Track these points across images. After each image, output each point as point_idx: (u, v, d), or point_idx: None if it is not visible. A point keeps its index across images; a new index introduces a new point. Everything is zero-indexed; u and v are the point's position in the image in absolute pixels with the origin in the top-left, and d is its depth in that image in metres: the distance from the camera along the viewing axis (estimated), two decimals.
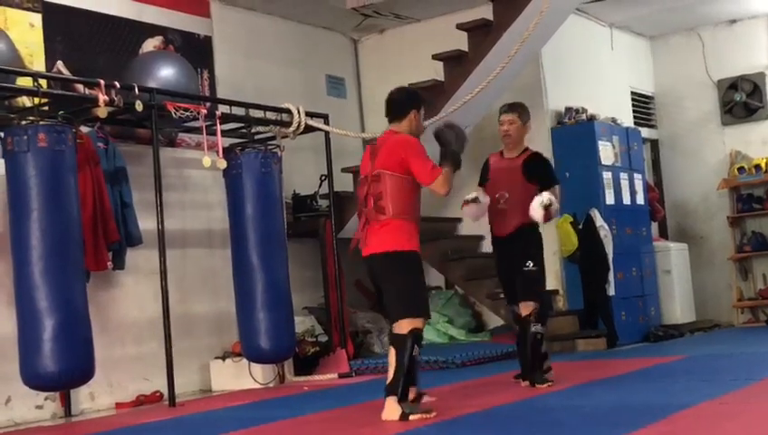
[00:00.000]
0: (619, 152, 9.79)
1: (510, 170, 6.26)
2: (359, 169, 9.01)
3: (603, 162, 9.47)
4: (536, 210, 6.02)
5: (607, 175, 9.48)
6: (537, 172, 6.26)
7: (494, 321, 9.34)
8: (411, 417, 4.94)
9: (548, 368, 6.19)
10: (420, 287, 5.34)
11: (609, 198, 9.50)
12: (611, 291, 9.04)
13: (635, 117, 11.16)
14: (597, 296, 8.99)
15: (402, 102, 5.45)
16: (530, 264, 6.15)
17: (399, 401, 4.99)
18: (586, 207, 9.10)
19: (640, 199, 10.10)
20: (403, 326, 5.10)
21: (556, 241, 9.23)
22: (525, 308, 6.15)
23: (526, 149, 6.41)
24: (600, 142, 9.46)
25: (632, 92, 11.24)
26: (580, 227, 9.09)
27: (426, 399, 5.47)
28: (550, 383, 6.03)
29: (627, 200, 9.81)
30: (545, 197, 6.02)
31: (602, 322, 8.99)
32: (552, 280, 9.32)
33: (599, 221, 9.08)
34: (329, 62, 9.92)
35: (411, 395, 5.40)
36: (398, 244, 5.17)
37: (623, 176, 9.80)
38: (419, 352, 5.14)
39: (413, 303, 5.19)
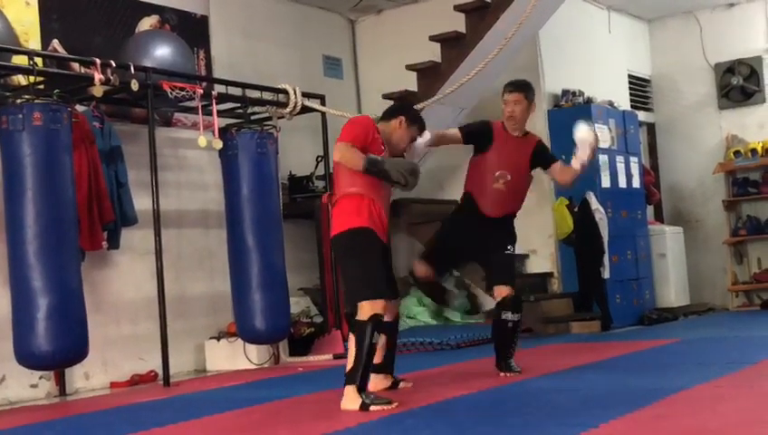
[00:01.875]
0: (616, 135, 9.79)
1: (518, 153, 5.92)
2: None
3: (600, 145, 9.42)
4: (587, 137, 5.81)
5: (603, 158, 9.47)
6: (542, 157, 6.02)
7: (489, 303, 9.31)
8: (372, 408, 4.71)
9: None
10: (375, 265, 5.00)
11: (605, 182, 9.50)
12: (606, 274, 9.06)
13: (632, 100, 11.15)
14: (591, 279, 9.00)
15: (396, 108, 5.48)
16: (510, 248, 5.93)
17: (359, 391, 4.79)
18: (582, 189, 9.08)
19: (636, 183, 10.10)
20: (363, 311, 4.87)
21: (552, 224, 9.25)
22: (501, 292, 5.83)
23: (527, 132, 6.11)
24: (596, 125, 9.41)
25: (629, 75, 11.23)
26: (576, 209, 9.11)
27: (402, 385, 5.38)
28: (518, 372, 5.81)
29: (623, 183, 9.82)
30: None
31: (597, 305, 9.02)
32: (548, 262, 9.36)
33: (594, 204, 9.09)
34: (326, 42, 9.89)
35: (387, 382, 5.36)
36: (345, 223, 5.00)
37: (619, 159, 9.80)
38: (377, 338, 4.88)
39: (369, 283, 4.94)
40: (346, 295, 5.10)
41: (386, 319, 5.04)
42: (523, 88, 6.02)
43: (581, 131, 5.85)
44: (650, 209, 10.91)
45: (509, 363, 5.83)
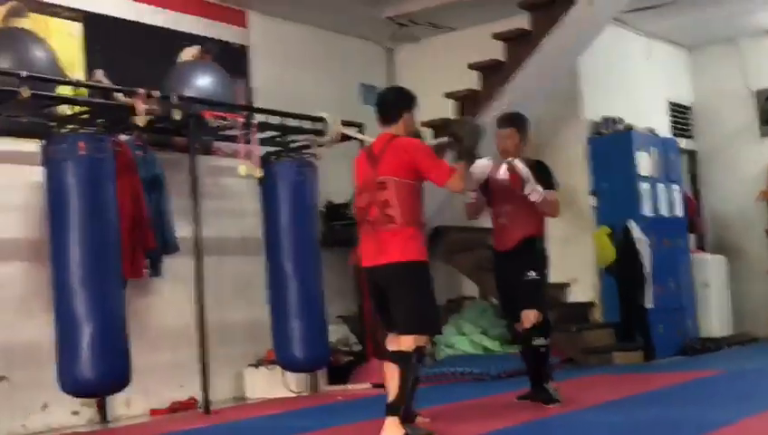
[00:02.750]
0: (657, 163, 9.70)
1: (506, 185, 5.87)
2: None
3: (641, 173, 9.39)
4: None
5: (644, 186, 9.39)
6: (539, 178, 5.83)
7: None
8: None
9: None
10: (432, 302, 5.10)
11: (647, 210, 9.41)
12: (649, 303, 8.95)
13: (673, 127, 11.07)
14: (634, 309, 8.90)
15: (393, 105, 5.25)
16: (531, 273, 5.81)
17: (402, 422, 4.79)
18: (623, 218, 9.03)
19: (678, 211, 10.00)
20: (408, 342, 4.87)
21: (593, 252, 9.18)
22: (526, 318, 5.75)
23: (526, 159, 5.99)
24: (637, 153, 9.38)
25: (670, 103, 11.15)
26: (618, 238, 9.02)
27: (419, 420, 5.26)
28: (559, 403, 5.70)
29: (665, 212, 9.72)
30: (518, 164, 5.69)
31: (639, 334, 8.91)
32: (589, 292, 9.28)
33: (636, 232, 9.01)
34: (364, 71, 9.92)
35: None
36: (409, 254, 4.95)
37: (661, 187, 9.71)
38: (420, 371, 4.95)
39: (425, 319, 4.98)
40: (398, 321, 5.00)
41: None
42: (515, 122, 5.99)
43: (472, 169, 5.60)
44: (693, 238, 10.78)
45: (546, 389, 5.74)
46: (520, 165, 5.71)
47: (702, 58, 11.48)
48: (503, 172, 5.81)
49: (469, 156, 5.10)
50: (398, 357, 4.90)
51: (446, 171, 4.99)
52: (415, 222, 5.00)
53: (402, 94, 5.37)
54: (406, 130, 5.21)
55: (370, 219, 5.05)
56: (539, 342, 5.73)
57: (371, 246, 5.04)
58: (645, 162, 9.47)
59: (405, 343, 4.89)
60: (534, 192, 5.68)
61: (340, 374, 8.08)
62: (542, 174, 5.92)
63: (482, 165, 5.60)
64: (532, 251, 5.89)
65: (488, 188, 5.96)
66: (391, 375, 4.89)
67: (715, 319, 10.18)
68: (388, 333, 5.18)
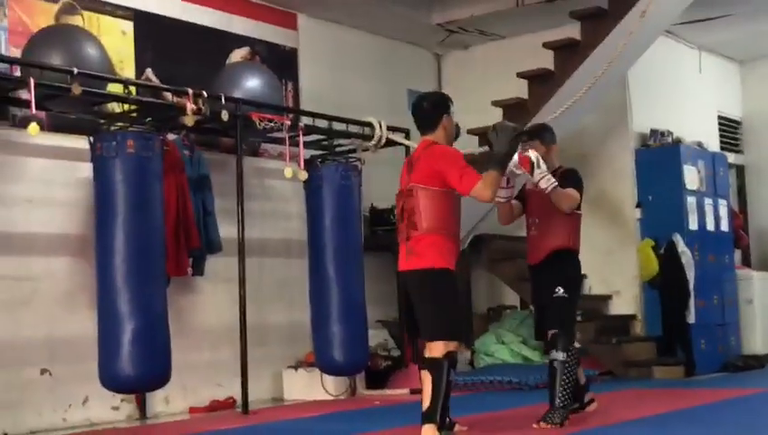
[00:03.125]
0: (705, 177, 9.60)
1: (540, 194, 5.67)
2: None
3: (688, 187, 9.29)
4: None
5: (691, 200, 9.30)
6: (564, 182, 5.69)
7: None
8: None
9: (579, 403, 5.72)
10: (454, 308, 5.06)
11: (693, 224, 9.31)
12: (691, 318, 8.85)
13: (721, 141, 10.95)
14: (676, 323, 8.82)
15: (430, 112, 5.18)
16: (559, 290, 5.61)
17: (438, 430, 4.80)
18: (668, 231, 8.95)
19: (724, 226, 9.88)
20: (438, 349, 4.88)
21: (636, 265, 9.10)
22: (550, 333, 5.62)
23: (559, 168, 5.85)
24: (685, 166, 9.29)
25: (719, 116, 11.03)
26: (662, 251, 8.94)
27: (458, 428, 5.24)
28: (556, 425, 5.35)
29: (711, 226, 9.61)
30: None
31: (681, 349, 8.82)
32: (631, 305, 9.20)
33: (681, 246, 8.92)
34: (411, 76, 9.91)
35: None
36: (429, 261, 4.94)
37: (707, 201, 9.60)
38: (454, 377, 4.90)
39: (447, 325, 4.97)
40: (423, 328, 5.02)
41: None
42: (539, 134, 5.87)
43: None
44: (738, 254, 10.65)
45: (547, 413, 5.42)
46: (534, 152, 5.51)
47: (753, 72, 11.35)
48: (515, 159, 5.45)
49: (498, 163, 5.00)
50: (429, 364, 4.92)
51: (473, 179, 4.90)
52: (440, 229, 4.97)
53: (437, 99, 5.35)
54: (446, 134, 5.19)
55: (402, 226, 5.11)
56: (554, 355, 5.54)
57: (402, 251, 5.10)
58: (692, 176, 9.38)
59: (435, 349, 4.91)
60: (544, 180, 5.47)
61: (378, 379, 8.08)
62: (567, 177, 5.78)
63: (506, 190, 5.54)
64: (562, 265, 5.73)
65: (523, 196, 5.89)
66: (426, 383, 4.91)
67: (758, 336, 10.04)
68: (410, 338, 5.21)
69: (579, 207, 5.80)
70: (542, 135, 5.88)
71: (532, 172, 5.46)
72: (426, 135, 5.21)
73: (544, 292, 5.69)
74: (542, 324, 5.80)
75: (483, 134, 8.45)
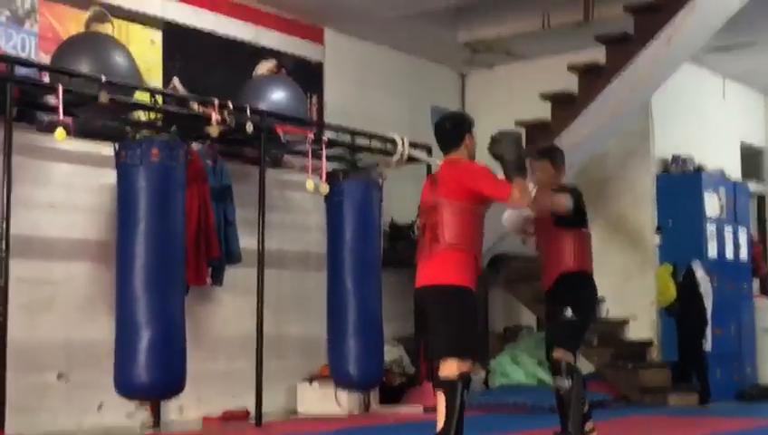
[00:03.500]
0: (725, 205, 9.59)
1: (542, 220, 5.68)
2: None
3: (708, 214, 9.29)
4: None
5: (711, 227, 9.29)
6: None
7: (584, 367, 9.14)
8: None
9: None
10: (470, 327, 4.97)
11: (712, 251, 9.30)
12: (708, 346, 8.82)
13: (743, 170, 10.92)
14: (692, 350, 8.78)
15: (453, 132, 5.18)
16: (568, 311, 5.54)
17: None
18: (688, 258, 8.94)
19: (743, 255, 9.86)
20: (452, 368, 4.79)
21: (654, 290, 9.07)
22: (556, 353, 5.55)
23: (563, 185, 5.79)
24: (706, 193, 9.29)
25: (742, 145, 11.01)
26: (681, 277, 8.92)
27: None
28: None
29: (730, 255, 9.59)
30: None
31: (696, 377, 8.78)
32: (648, 330, 9.18)
33: (699, 274, 8.90)
34: (435, 94, 9.94)
35: None
36: (448, 277, 4.87)
37: (727, 229, 9.60)
38: (468, 398, 4.80)
39: (462, 343, 4.88)
40: (434, 347, 4.96)
41: None
42: (549, 154, 5.87)
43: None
44: (756, 283, 10.60)
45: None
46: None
47: None
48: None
49: (516, 169, 4.99)
50: (442, 384, 4.85)
51: (505, 188, 4.91)
52: (463, 245, 4.92)
53: (459, 119, 5.38)
54: (469, 152, 5.16)
55: (424, 241, 5.04)
56: (559, 383, 5.48)
57: (422, 267, 5.03)
58: (713, 203, 9.37)
59: (448, 369, 4.83)
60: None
61: (392, 395, 8.07)
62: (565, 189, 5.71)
63: (512, 220, 5.61)
64: (572, 287, 5.65)
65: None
66: (440, 403, 4.83)
67: None
68: (428, 359, 5.12)
69: (585, 226, 5.75)
70: (554, 155, 5.86)
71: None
72: (449, 154, 5.20)
73: (554, 315, 5.64)
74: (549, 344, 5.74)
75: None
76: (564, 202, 5.55)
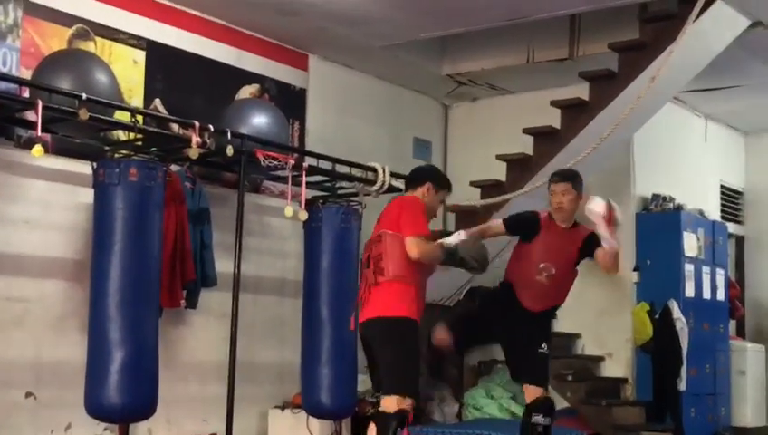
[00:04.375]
0: (704, 245, 9.61)
1: (565, 245, 5.65)
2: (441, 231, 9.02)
3: (686, 253, 9.30)
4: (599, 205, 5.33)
5: (689, 267, 9.30)
6: (591, 248, 5.61)
7: (558, 402, 9.04)
8: None
9: None
10: (413, 361, 4.92)
11: (689, 291, 9.30)
12: (682, 386, 8.81)
13: (722, 211, 10.97)
14: (667, 390, 8.77)
15: (421, 172, 5.34)
16: (544, 346, 5.59)
17: None
18: (664, 297, 8.93)
19: (721, 295, 9.87)
20: (390, 404, 4.76)
21: (630, 328, 9.06)
22: (531, 393, 5.57)
23: (577, 223, 5.81)
24: (684, 233, 9.31)
25: (722, 186, 11.06)
26: (657, 316, 8.92)
27: None
28: None
29: (707, 295, 9.60)
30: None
31: (670, 416, 8.76)
32: (623, 368, 9.15)
33: (676, 313, 8.90)
34: (418, 124, 9.96)
35: None
36: (392, 309, 4.86)
37: (705, 269, 9.60)
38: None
39: (403, 378, 4.85)
40: (382, 379, 4.91)
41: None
42: (571, 178, 5.80)
43: (591, 203, 5.43)
44: (733, 324, 10.63)
45: None
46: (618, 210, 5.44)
47: (757, 144, 11.42)
48: (599, 207, 5.40)
49: (449, 253, 5.06)
50: (377, 418, 4.82)
51: (415, 230, 4.90)
52: (404, 277, 4.91)
53: (434, 170, 5.49)
54: (422, 198, 5.20)
55: (367, 272, 5.03)
56: (538, 420, 5.45)
57: (365, 299, 5.01)
58: (691, 243, 9.39)
59: (387, 404, 4.80)
60: (612, 239, 5.41)
61: (364, 424, 7.98)
62: (595, 241, 5.62)
63: (454, 239, 5.42)
64: (549, 322, 5.73)
65: (536, 236, 5.71)
66: None
67: (748, 408, 9.99)
68: (377, 392, 5.06)
69: None
70: (575, 181, 5.77)
71: (611, 230, 5.36)
72: (407, 192, 5.28)
73: (527, 341, 5.58)
74: (517, 370, 5.75)
75: (487, 187, 8.49)
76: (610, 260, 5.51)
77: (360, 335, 5.07)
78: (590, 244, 5.62)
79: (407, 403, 4.79)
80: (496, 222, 5.88)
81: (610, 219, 5.36)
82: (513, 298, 5.70)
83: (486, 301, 6.19)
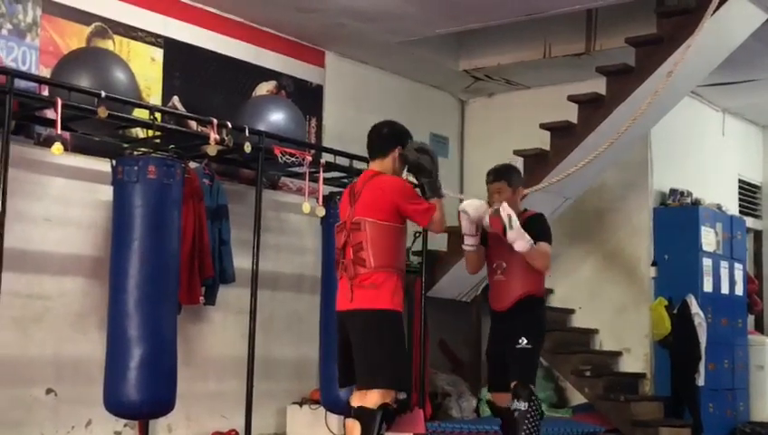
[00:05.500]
0: (722, 240, 9.57)
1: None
2: (455, 229, 9.02)
3: (704, 248, 9.26)
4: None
5: (707, 262, 9.27)
6: (531, 231, 5.43)
7: (576, 398, 9.14)
8: None
9: None
10: (401, 355, 4.75)
11: (707, 286, 9.27)
12: (701, 381, 8.78)
13: (740, 205, 10.92)
14: (685, 385, 8.74)
15: (386, 138, 4.98)
16: (523, 340, 5.40)
17: None
18: (682, 292, 8.90)
19: (739, 290, 9.84)
20: (372, 398, 4.58)
21: (648, 323, 9.04)
22: (515, 385, 5.40)
23: (524, 211, 5.69)
24: (702, 228, 9.27)
25: (740, 180, 11.01)
26: (675, 311, 8.90)
27: None
28: None
29: (725, 289, 9.57)
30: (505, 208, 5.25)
31: (689, 412, 8.73)
32: (641, 363, 9.13)
33: (694, 308, 8.87)
34: (434, 120, 9.96)
35: None
36: (378, 301, 4.65)
37: (723, 264, 9.57)
38: (385, 432, 4.62)
39: (390, 372, 4.65)
40: (359, 373, 4.71)
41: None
42: (504, 175, 5.69)
43: (463, 203, 5.40)
44: (751, 319, 10.58)
45: None
46: (507, 209, 5.29)
47: None
48: (471, 208, 5.39)
49: (436, 189, 4.85)
50: (360, 414, 4.63)
51: (427, 212, 4.75)
52: (389, 267, 4.72)
53: (399, 129, 5.10)
54: (393, 166, 4.96)
55: (345, 261, 4.83)
56: (516, 405, 5.32)
57: (344, 289, 4.80)
58: (709, 238, 9.36)
59: (370, 399, 4.62)
60: (519, 240, 5.25)
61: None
62: (534, 225, 5.52)
63: (476, 205, 5.36)
64: (530, 313, 5.53)
65: (486, 244, 5.66)
66: (352, 432, 4.64)
67: (767, 404, 9.94)
68: (341, 386, 4.96)
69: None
70: (510, 176, 5.69)
71: (504, 234, 5.26)
72: (374, 162, 5.03)
73: (506, 340, 5.49)
74: (497, 375, 5.62)
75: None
76: (548, 261, 5.47)
77: (338, 326, 4.86)
78: (528, 226, 5.47)
79: (390, 396, 4.63)
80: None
81: (499, 222, 5.26)
82: (489, 308, 5.74)
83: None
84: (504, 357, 5.57)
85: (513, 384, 5.44)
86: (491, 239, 5.60)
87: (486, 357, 5.93)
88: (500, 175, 5.69)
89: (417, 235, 8.42)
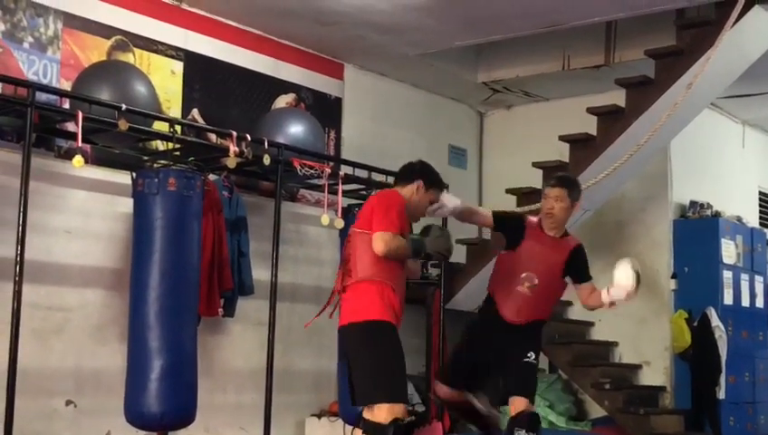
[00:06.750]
0: (742, 252, 9.53)
1: (551, 255, 5.32)
2: (474, 241, 9.00)
3: (724, 261, 9.22)
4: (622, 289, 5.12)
5: (727, 274, 9.22)
6: (577, 267, 5.37)
7: (596, 411, 9.09)
8: None
9: None
10: (394, 365, 4.58)
11: (728, 298, 9.22)
12: (721, 394, 8.74)
13: (761, 218, 10.86)
14: (706, 398, 8.70)
15: (413, 169, 4.96)
16: (531, 355, 5.26)
17: None
18: (703, 304, 8.86)
19: (760, 303, 9.78)
20: (381, 413, 4.45)
21: (669, 336, 9.00)
22: (516, 404, 5.24)
23: (567, 232, 5.47)
24: (723, 240, 9.23)
25: (760, 192, 10.96)
26: (695, 324, 8.86)
27: None
28: None
29: (746, 302, 9.52)
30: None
31: (709, 425, 8.68)
32: (661, 376, 9.08)
33: (714, 321, 8.83)
34: (453, 132, 9.97)
35: None
36: (361, 313, 4.56)
37: (744, 277, 9.52)
38: None
39: (387, 384, 4.52)
40: (358, 390, 4.61)
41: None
42: (567, 184, 5.43)
43: (621, 272, 5.18)
44: None
45: None
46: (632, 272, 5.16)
47: None
48: (626, 279, 5.18)
49: (417, 250, 4.83)
50: (368, 428, 4.54)
51: (383, 226, 4.57)
52: (376, 276, 4.60)
53: (427, 168, 5.06)
54: (411, 196, 4.88)
55: (340, 274, 4.82)
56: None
57: (340, 305, 4.78)
58: (730, 250, 9.31)
59: (377, 415, 4.52)
60: (614, 300, 5.22)
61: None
62: (581, 261, 5.41)
63: (452, 201, 5.25)
64: (539, 331, 5.44)
65: (520, 242, 5.41)
66: None
67: None
68: (353, 405, 4.84)
69: None
70: (572, 188, 5.45)
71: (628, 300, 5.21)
72: (396, 187, 5.00)
73: (512, 351, 5.32)
74: (479, 376, 5.50)
75: (522, 194, 8.48)
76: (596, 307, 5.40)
77: (338, 340, 4.85)
78: (576, 258, 5.40)
79: (399, 409, 4.49)
80: (485, 211, 5.63)
81: (631, 295, 5.18)
82: (494, 309, 5.42)
83: (470, 324, 5.91)
84: (488, 365, 5.43)
85: (518, 406, 5.29)
86: (531, 247, 5.38)
87: (464, 355, 5.67)
88: (563, 182, 5.44)
89: None
